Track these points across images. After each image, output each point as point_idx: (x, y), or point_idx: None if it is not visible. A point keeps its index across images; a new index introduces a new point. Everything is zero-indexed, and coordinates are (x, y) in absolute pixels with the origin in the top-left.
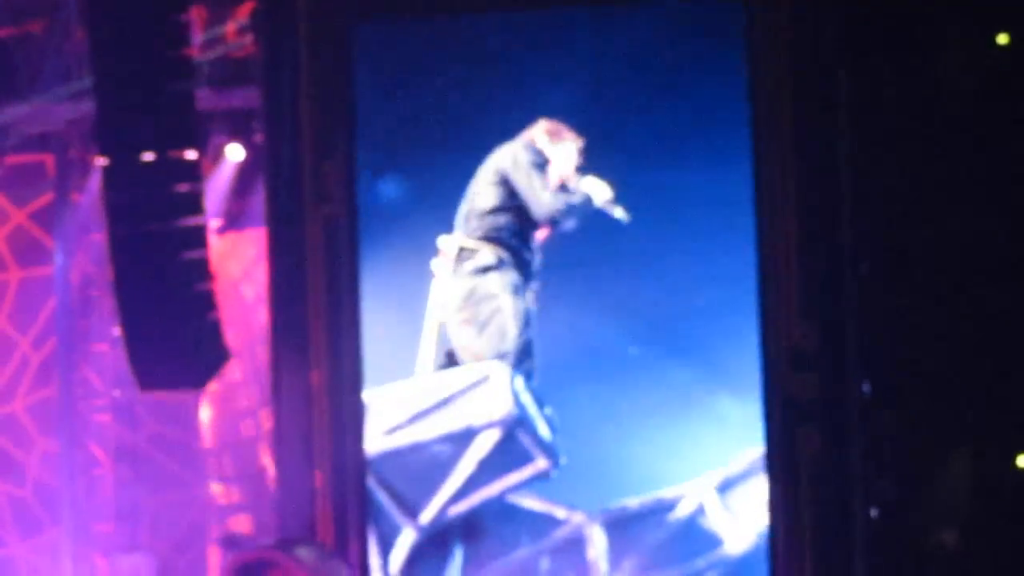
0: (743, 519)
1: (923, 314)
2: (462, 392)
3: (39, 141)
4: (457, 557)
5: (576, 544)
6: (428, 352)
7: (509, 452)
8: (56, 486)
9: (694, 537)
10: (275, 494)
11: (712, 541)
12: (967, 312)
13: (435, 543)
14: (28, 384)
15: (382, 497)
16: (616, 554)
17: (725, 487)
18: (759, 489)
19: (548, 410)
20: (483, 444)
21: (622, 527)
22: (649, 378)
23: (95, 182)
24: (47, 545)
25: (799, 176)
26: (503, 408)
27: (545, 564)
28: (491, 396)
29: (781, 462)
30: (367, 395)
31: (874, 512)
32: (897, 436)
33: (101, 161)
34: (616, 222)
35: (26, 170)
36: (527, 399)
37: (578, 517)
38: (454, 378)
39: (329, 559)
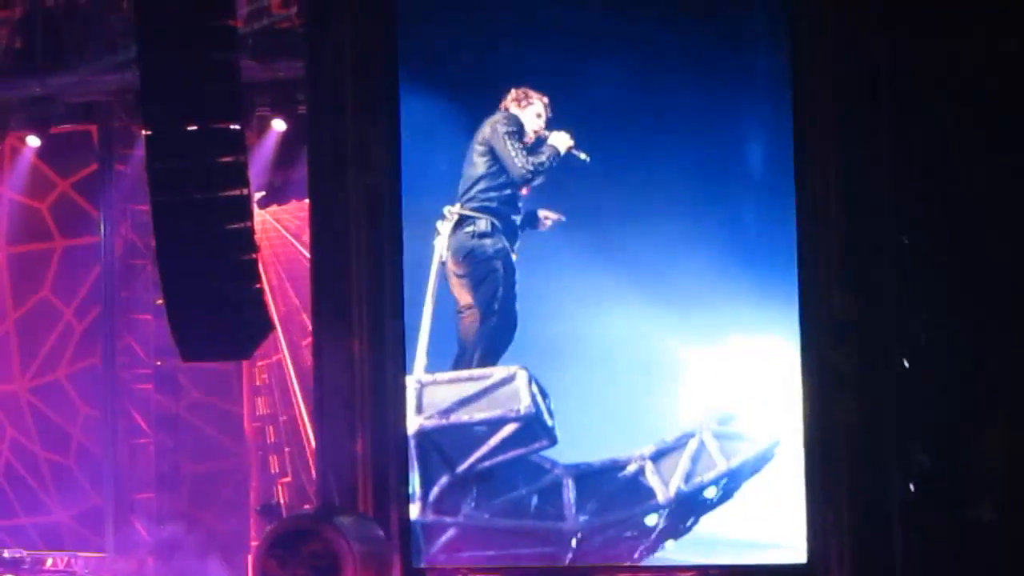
0: (669, 478)
1: (962, 288)
2: (495, 387)
3: (84, 111)
4: (474, 493)
5: (556, 489)
6: (431, 294)
7: (524, 435)
8: (98, 454)
9: (635, 490)
10: (316, 464)
11: (648, 494)
12: (1006, 287)
13: (460, 484)
14: (71, 353)
15: (433, 454)
16: (582, 498)
17: (657, 455)
18: (684, 457)
19: (551, 403)
20: (507, 428)
21: (587, 479)
22: (616, 351)
23: (139, 152)
24: (90, 512)
25: (841, 150)
26: (524, 405)
27: (534, 502)
28: (517, 394)
29: (818, 433)
30: (427, 377)
31: (911, 484)
32: (934, 409)
33: (145, 131)
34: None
35: (71, 140)
36: (539, 397)
37: (558, 470)
38: (491, 374)
39: (369, 528)
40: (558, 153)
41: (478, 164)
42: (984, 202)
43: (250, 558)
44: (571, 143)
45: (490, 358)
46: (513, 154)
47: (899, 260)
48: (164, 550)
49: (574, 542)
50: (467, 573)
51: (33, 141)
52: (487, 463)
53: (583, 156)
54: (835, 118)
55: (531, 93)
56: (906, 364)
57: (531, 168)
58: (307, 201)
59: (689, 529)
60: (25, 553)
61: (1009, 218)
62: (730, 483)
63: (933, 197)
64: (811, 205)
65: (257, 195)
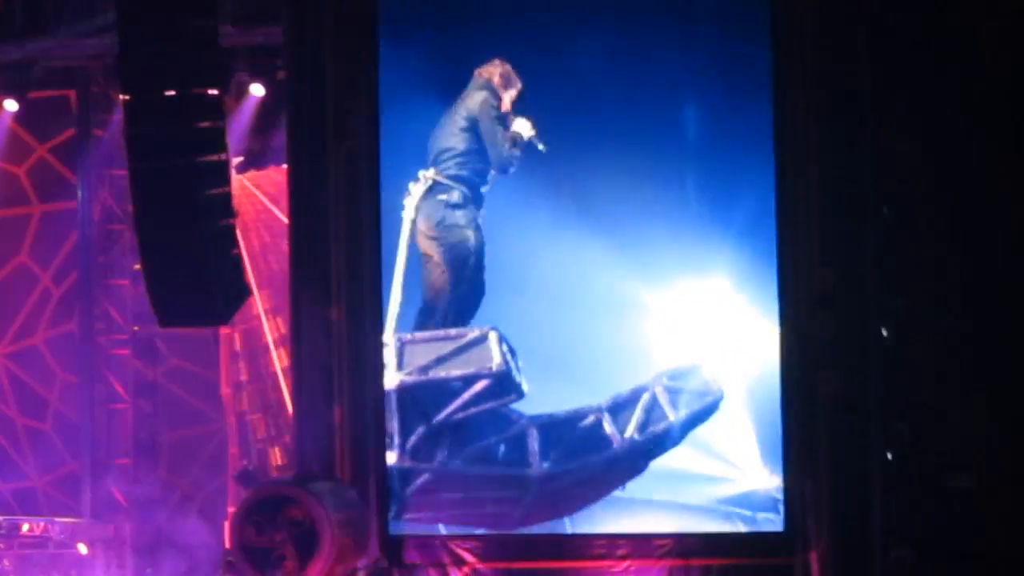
0: (625, 427)
1: (942, 259)
2: (469, 346)
3: (63, 76)
4: (447, 442)
5: (522, 438)
6: (402, 253)
7: (496, 390)
8: (76, 420)
9: (594, 438)
10: (293, 430)
11: (605, 443)
12: (986, 258)
13: (435, 434)
14: (49, 318)
15: (411, 407)
16: (545, 447)
17: (613, 407)
18: (638, 409)
19: (520, 362)
20: (481, 384)
21: (550, 429)
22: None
23: (118, 117)
24: (67, 478)
25: (821, 121)
26: (496, 363)
27: (502, 450)
28: (489, 352)
29: (799, 404)
30: (407, 336)
31: (890, 453)
32: (914, 379)
33: (124, 96)
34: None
35: (49, 105)
36: (509, 355)
37: (524, 420)
38: (466, 333)
39: (347, 494)
40: (522, 139)
41: (459, 137)
42: (967, 173)
43: (227, 524)
44: (532, 132)
45: (461, 321)
46: (500, 141)
47: (880, 231)
48: (141, 514)
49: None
50: (443, 541)
51: (11, 105)
52: (460, 415)
53: (541, 147)
54: (816, 88)
55: (514, 77)
56: (884, 334)
57: (513, 158)
58: (286, 167)
59: (643, 470)
60: (1, 518)
61: (992, 188)
62: (679, 431)
63: (915, 167)
64: (790, 174)
65: (235, 160)
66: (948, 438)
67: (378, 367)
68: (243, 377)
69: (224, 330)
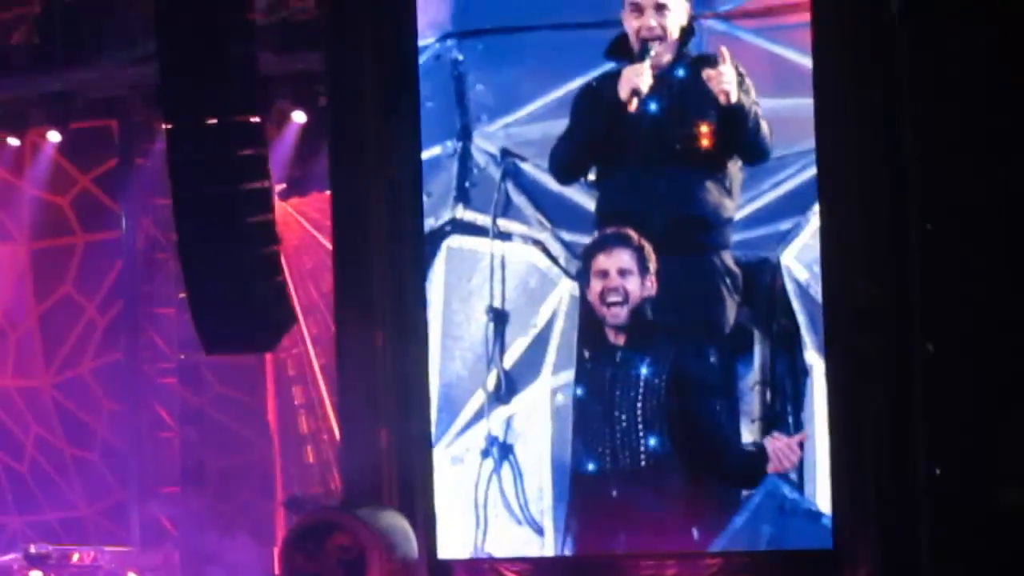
0: None
1: (987, 273)
2: None
3: (104, 106)
4: None
5: None
6: None
7: None
8: (123, 449)
9: None
10: (340, 455)
11: None
12: None
13: None
14: (95, 348)
15: None
16: None
17: None
18: None
19: None
20: None
21: None
22: None
23: (159, 146)
24: (115, 507)
25: (863, 133)
26: None
27: None
28: None
29: (844, 418)
30: None
31: (937, 469)
32: (960, 394)
33: (165, 125)
34: None
35: (91, 135)
36: None
37: None
38: None
39: (395, 519)
40: None
41: None
42: (1009, 184)
43: (276, 551)
44: None
45: None
46: None
47: (923, 244)
48: (189, 542)
49: None
50: (492, 565)
51: (54, 137)
52: None
53: None
54: (855, 102)
55: None
56: (931, 349)
57: None
58: (328, 193)
59: None
60: (51, 548)
61: None
62: None
63: (957, 182)
64: (832, 188)
65: (278, 187)
66: (998, 452)
67: (423, 391)
68: (290, 403)
69: (270, 357)
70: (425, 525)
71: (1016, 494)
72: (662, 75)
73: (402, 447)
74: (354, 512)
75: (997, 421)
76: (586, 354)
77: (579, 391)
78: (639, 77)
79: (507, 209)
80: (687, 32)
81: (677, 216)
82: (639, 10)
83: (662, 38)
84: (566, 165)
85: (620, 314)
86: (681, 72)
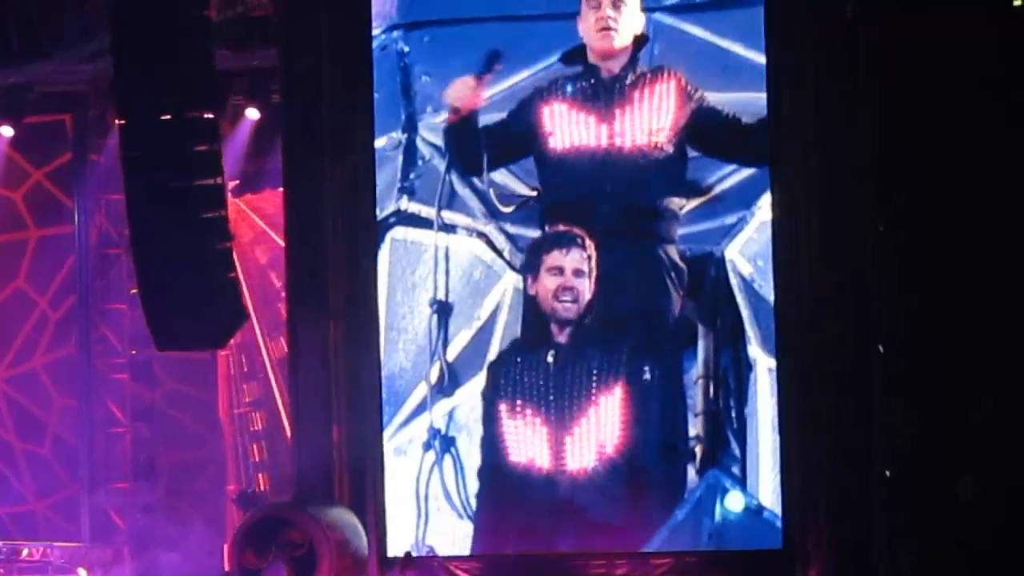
0: None
1: (941, 270)
2: None
3: (58, 100)
4: None
5: None
6: None
7: None
8: (75, 444)
9: None
10: (292, 451)
11: None
12: (985, 269)
13: None
14: (47, 343)
15: None
16: None
17: None
18: None
19: None
20: None
21: None
22: None
23: (113, 142)
24: (66, 502)
25: (821, 132)
26: None
27: None
28: None
29: (798, 416)
30: None
31: (890, 468)
32: (914, 388)
33: (119, 120)
34: None
35: (45, 129)
36: None
37: None
38: None
39: (345, 516)
40: None
41: None
42: (963, 186)
43: (226, 547)
44: None
45: None
46: None
47: (877, 241)
48: (139, 538)
49: None
50: (442, 562)
51: (7, 131)
52: None
53: None
54: (810, 100)
55: None
56: (881, 349)
57: None
58: (282, 189)
59: None
60: (1, 543)
61: (990, 202)
62: None
63: (912, 182)
64: (785, 188)
65: (231, 184)
66: (951, 447)
67: (375, 387)
68: (241, 400)
69: (221, 353)
70: (376, 521)
71: (968, 489)
72: (613, 80)
73: (353, 443)
74: (305, 508)
75: (950, 416)
76: (528, 348)
77: (520, 386)
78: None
79: (452, 201)
80: (640, 40)
81: (625, 207)
82: (597, 3)
83: (615, 30)
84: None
85: (572, 309)
86: (630, 79)
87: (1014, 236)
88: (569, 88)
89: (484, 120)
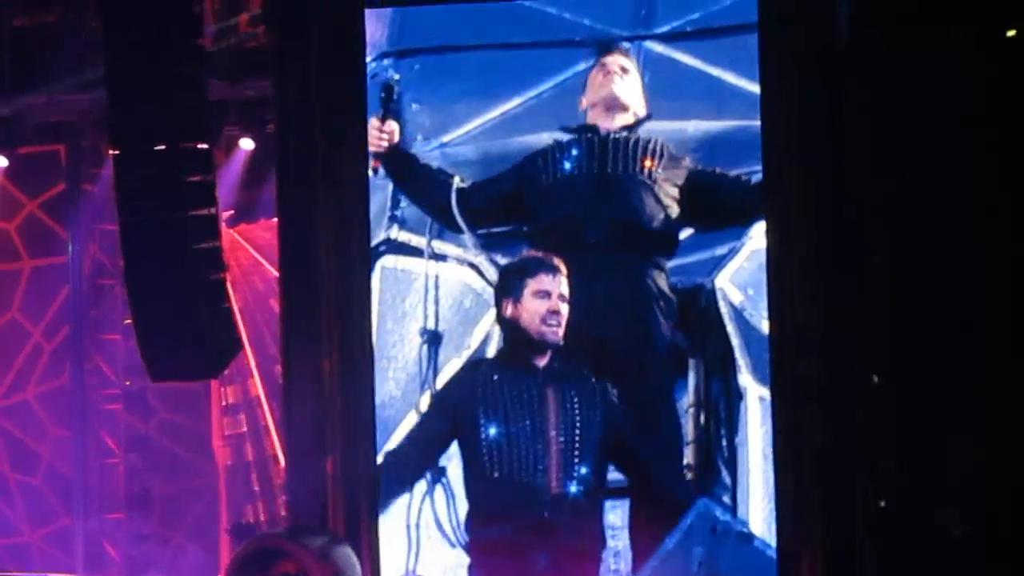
0: None
1: (931, 303)
2: None
3: (52, 131)
4: None
5: None
6: None
7: None
8: (68, 475)
9: None
10: (286, 482)
11: None
12: (974, 302)
13: None
14: (40, 373)
15: None
16: None
17: None
18: None
19: None
20: None
21: None
22: None
23: (108, 172)
24: (60, 533)
25: (810, 164)
26: None
27: None
28: None
29: (790, 446)
30: None
31: (882, 498)
32: (903, 422)
33: (113, 151)
34: None
35: (39, 160)
36: None
37: None
38: None
39: (339, 547)
40: None
41: None
42: (954, 215)
43: None
44: None
45: None
46: None
47: (868, 275)
48: (134, 569)
49: None
50: None
51: (1, 161)
52: None
53: None
54: (802, 129)
55: None
56: (875, 379)
57: None
58: (276, 220)
59: None
60: None
61: (979, 236)
62: None
63: (906, 212)
64: (779, 216)
65: (226, 214)
66: (939, 481)
67: (369, 418)
68: (235, 430)
69: (215, 384)
70: (370, 552)
71: (959, 522)
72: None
73: (347, 474)
74: (299, 538)
75: (939, 450)
76: (512, 375)
77: (504, 414)
78: None
79: (442, 231)
80: (639, 121)
81: (617, 228)
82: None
83: (624, 108)
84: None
85: (559, 333)
86: (624, 136)
87: (1008, 266)
88: (567, 159)
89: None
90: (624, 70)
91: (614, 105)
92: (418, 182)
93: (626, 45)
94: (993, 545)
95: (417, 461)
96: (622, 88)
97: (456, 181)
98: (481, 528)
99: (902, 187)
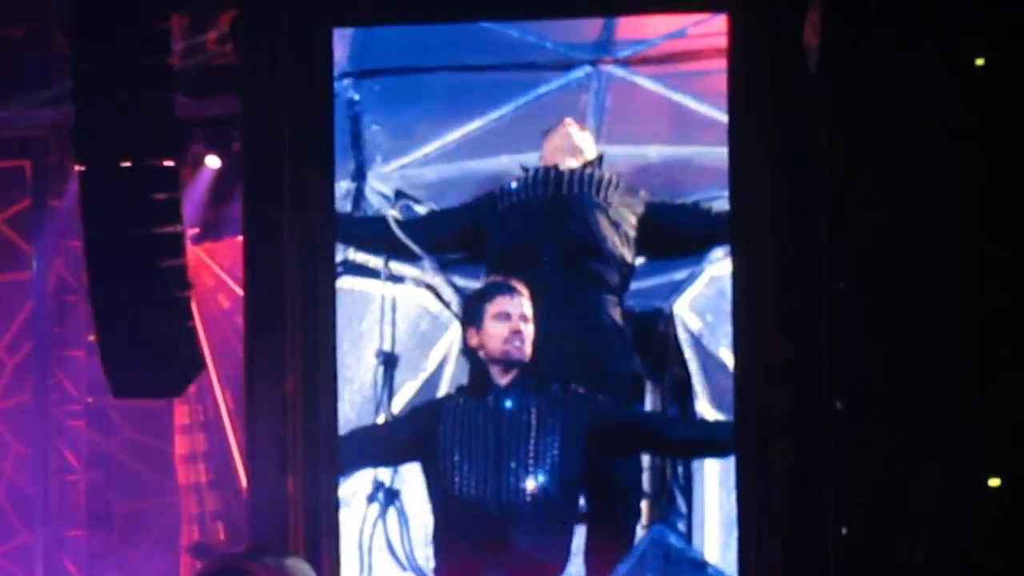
0: None
1: (898, 331)
2: None
3: (18, 146)
4: None
5: None
6: None
7: None
8: (29, 491)
9: None
10: (247, 502)
11: None
12: (944, 327)
13: None
14: (2, 389)
15: None
16: None
17: None
18: None
19: None
20: None
21: None
22: None
23: (73, 188)
24: (20, 549)
25: (776, 191)
26: None
27: None
28: None
29: (754, 475)
30: None
31: (845, 527)
32: (870, 452)
33: (79, 167)
34: None
35: (4, 175)
36: None
37: None
38: None
39: (301, 567)
40: None
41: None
42: (922, 244)
43: None
44: None
45: None
46: None
47: (835, 302)
48: None
49: None
50: None
51: None
52: None
53: None
54: (770, 156)
55: None
56: (839, 406)
57: None
58: (241, 238)
59: None
60: None
61: (947, 262)
62: None
63: (871, 239)
64: (745, 242)
65: (191, 232)
66: (905, 511)
67: (332, 439)
68: (196, 449)
69: (178, 401)
70: (331, 572)
71: (922, 553)
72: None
73: (308, 494)
74: (259, 558)
75: (906, 480)
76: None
77: (461, 435)
78: None
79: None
80: (596, 158)
81: (573, 249)
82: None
83: (581, 152)
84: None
85: (523, 350)
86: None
87: (983, 294)
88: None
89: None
90: (582, 127)
91: (572, 150)
92: (356, 235)
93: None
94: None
95: (382, 441)
96: (580, 138)
97: (391, 213)
98: (442, 548)
99: (868, 213)
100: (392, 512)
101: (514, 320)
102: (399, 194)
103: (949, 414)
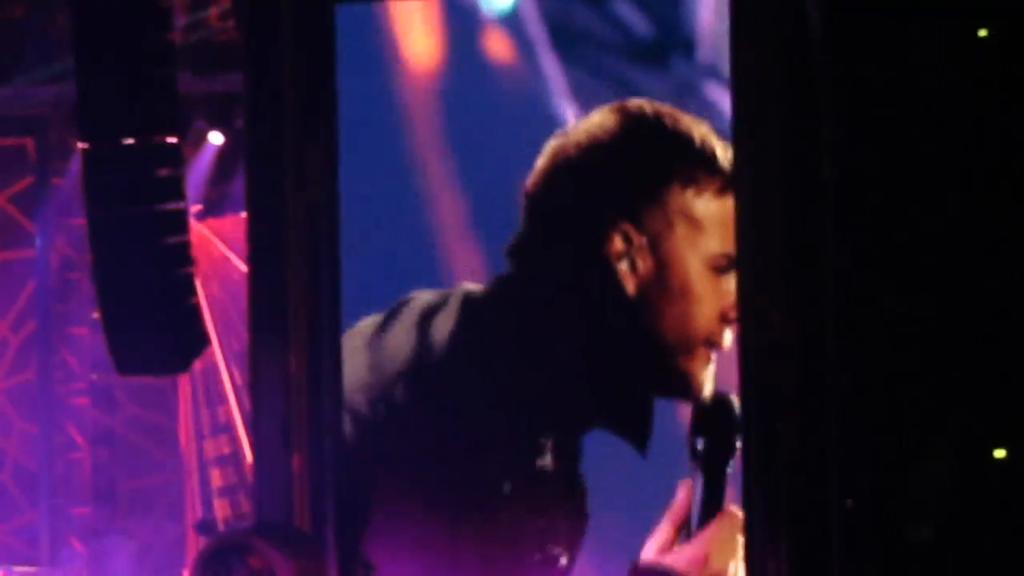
0: None
1: (903, 306)
2: None
3: (20, 124)
4: None
5: None
6: None
7: None
8: (34, 469)
9: None
10: (252, 479)
11: None
12: (947, 305)
13: None
14: (6, 367)
15: None
16: None
17: None
18: None
19: None
20: None
21: None
22: None
23: (76, 165)
24: (25, 527)
25: (779, 166)
26: None
27: None
28: None
29: (758, 452)
30: None
31: (850, 503)
32: (874, 427)
33: (82, 144)
34: None
35: (6, 153)
36: None
37: None
38: None
39: (305, 543)
40: None
41: None
42: (929, 223)
43: (186, 573)
44: None
45: None
46: None
47: (839, 280)
48: (99, 563)
49: None
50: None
51: None
52: None
53: None
54: (774, 138)
55: None
56: (844, 384)
57: None
58: (244, 215)
59: None
60: None
61: (953, 238)
62: None
63: (874, 216)
64: (750, 221)
65: (194, 209)
66: (910, 487)
67: (336, 413)
68: (202, 426)
69: (183, 378)
70: (336, 549)
71: (928, 529)
72: None
73: (314, 471)
74: (265, 534)
75: (911, 455)
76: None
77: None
78: None
79: None
80: None
81: None
82: None
83: None
84: None
85: None
86: None
87: (983, 291)
88: None
89: None
90: None
91: None
92: None
93: None
94: (964, 553)
95: None
96: None
97: None
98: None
99: (875, 196)
100: None
101: None
102: None
103: (956, 388)
